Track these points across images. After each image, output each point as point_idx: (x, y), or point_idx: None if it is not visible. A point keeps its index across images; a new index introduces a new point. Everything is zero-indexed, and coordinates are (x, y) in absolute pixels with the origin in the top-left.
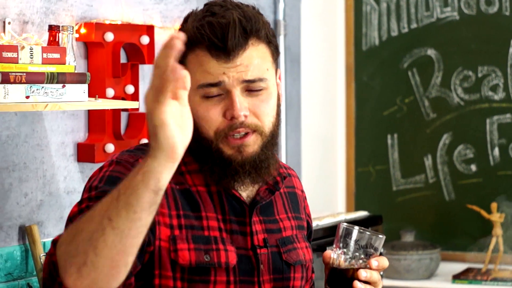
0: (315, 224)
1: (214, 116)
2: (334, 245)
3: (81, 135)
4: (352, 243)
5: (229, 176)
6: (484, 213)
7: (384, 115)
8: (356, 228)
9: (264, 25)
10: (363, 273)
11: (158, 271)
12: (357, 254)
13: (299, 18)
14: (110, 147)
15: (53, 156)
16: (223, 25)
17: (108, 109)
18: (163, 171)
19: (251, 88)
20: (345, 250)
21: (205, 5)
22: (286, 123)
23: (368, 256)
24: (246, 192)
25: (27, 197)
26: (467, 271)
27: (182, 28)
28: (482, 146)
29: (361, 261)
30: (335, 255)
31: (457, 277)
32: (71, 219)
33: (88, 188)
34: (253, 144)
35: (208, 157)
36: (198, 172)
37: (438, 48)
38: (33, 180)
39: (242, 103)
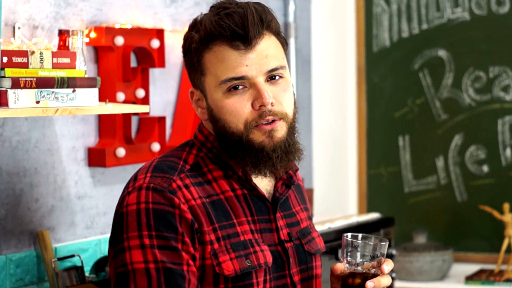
0: (327, 226)
1: (242, 109)
2: (341, 257)
3: (91, 140)
4: (359, 253)
5: (262, 163)
6: (496, 213)
7: (396, 116)
8: (360, 238)
9: (273, 17)
10: (369, 284)
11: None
12: (366, 262)
13: (309, 20)
14: (121, 151)
15: (64, 161)
16: (242, 14)
17: (118, 113)
18: None
19: (273, 76)
20: (354, 260)
21: (212, 6)
22: (297, 125)
23: (378, 262)
24: (265, 188)
25: (38, 203)
26: (479, 272)
27: (193, 31)
28: (494, 147)
29: (374, 269)
30: (347, 265)
31: (469, 278)
32: (134, 267)
33: (136, 223)
34: (280, 129)
35: (239, 150)
36: (223, 178)
37: (449, 49)
38: (44, 186)
39: (268, 91)
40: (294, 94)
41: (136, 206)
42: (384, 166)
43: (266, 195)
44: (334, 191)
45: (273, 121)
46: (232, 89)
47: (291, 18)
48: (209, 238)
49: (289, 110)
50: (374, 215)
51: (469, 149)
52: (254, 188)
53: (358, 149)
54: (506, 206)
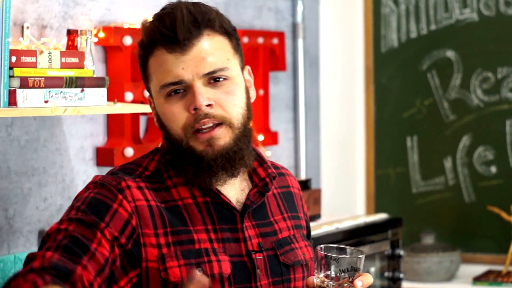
0: (334, 227)
1: (179, 113)
2: (315, 270)
3: (100, 139)
4: (333, 267)
5: (203, 172)
6: (504, 214)
7: (404, 117)
8: (335, 250)
9: (218, 16)
10: None
11: None
12: (340, 276)
13: (317, 21)
14: (129, 151)
15: (72, 161)
16: (171, 16)
17: (127, 113)
18: None
19: (214, 78)
20: (327, 273)
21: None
22: (305, 126)
23: (351, 276)
24: (235, 197)
25: (46, 202)
26: (487, 273)
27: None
28: (502, 148)
29: (346, 284)
30: (319, 280)
31: (477, 279)
32: (49, 235)
33: (70, 207)
34: (223, 136)
35: (182, 157)
36: (183, 185)
37: (457, 49)
38: (53, 185)
39: (203, 94)
40: (250, 97)
41: (80, 196)
42: (392, 167)
43: (235, 203)
44: (342, 192)
45: (214, 127)
46: (172, 93)
47: (299, 19)
48: (156, 241)
49: (233, 114)
50: (381, 216)
51: (477, 150)
52: (218, 196)
53: (366, 149)
54: None
